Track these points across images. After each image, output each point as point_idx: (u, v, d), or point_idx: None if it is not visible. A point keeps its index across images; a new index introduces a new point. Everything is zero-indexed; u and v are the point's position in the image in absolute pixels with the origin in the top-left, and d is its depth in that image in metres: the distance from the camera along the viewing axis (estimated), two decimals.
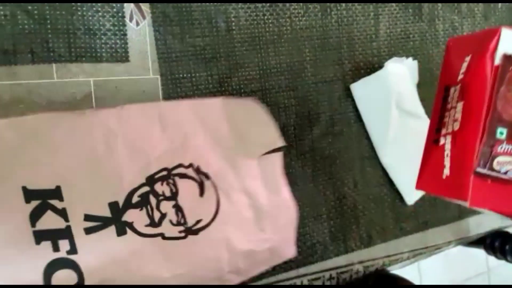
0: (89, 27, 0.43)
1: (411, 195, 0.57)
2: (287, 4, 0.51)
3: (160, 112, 0.39)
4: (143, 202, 0.35)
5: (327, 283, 0.55)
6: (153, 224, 0.35)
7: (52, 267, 0.31)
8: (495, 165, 0.28)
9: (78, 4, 0.42)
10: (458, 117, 0.30)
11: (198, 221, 0.37)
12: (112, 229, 0.33)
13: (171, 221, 0.36)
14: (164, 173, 0.37)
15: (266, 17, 0.49)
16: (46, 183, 0.32)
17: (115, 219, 0.33)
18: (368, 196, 0.56)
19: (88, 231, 0.32)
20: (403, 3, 0.56)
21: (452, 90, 0.32)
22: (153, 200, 0.35)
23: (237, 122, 0.40)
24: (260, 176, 0.41)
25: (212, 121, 0.40)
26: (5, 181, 0.31)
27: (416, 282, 1.43)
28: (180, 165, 0.37)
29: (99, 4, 0.43)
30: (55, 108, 0.41)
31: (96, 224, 0.33)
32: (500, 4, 0.63)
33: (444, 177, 0.30)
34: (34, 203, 0.31)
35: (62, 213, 0.32)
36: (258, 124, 0.43)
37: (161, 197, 0.36)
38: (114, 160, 0.35)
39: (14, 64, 0.41)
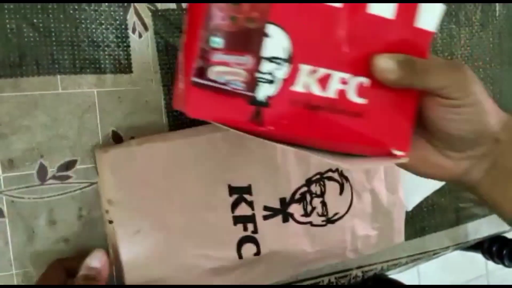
0: (93, 39, 0.44)
1: (409, 201, 0.58)
2: None
3: None
4: (302, 199, 0.48)
5: None
6: (306, 215, 0.49)
7: (242, 241, 0.46)
8: (211, 74, 0.27)
9: (82, 17, 0.43)
10: (185, 29, 0.32)
11: (335, 214, 0.50)
12: (279, 217, 0.47)
13: (318, 213, 0.49)
14: (318, 176, 0.49)
15: None
16: (242, 182, 0.45)
17: (282, 210, 0.47)
18: None
19: (265, 218, 0.47)
20: None
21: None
22: (308, 197, 0.49)
23: None
24: (385, 178, 0.53)
25: None
26: (218, 180, 0.45)
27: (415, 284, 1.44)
28: (329, 170, 0.50)
29: (102, 16, 0.44)
30: None
31: (270, 213, 0.47)
32: (498, 12, 0.63)
33: (180, 91, 0.31)
34: (234, 196, 0.45)
35: (250, 204, 0.46)
36: None
37: (313, 195, 0.49)
38: (287, 166, 0.47)
39: (20, 76, 0.42)
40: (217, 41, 0.27)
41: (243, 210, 0.46)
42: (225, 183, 0.45)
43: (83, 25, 0.44)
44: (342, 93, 0.31)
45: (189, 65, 0.28)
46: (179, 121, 0.48)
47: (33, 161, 0.43)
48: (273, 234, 0.47)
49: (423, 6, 0.31)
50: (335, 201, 0.50)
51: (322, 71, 0.30)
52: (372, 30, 0.30)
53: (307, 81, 0.30)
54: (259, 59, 0.29)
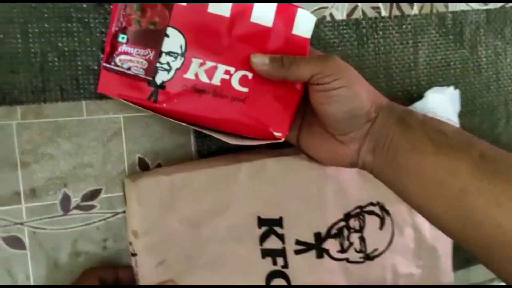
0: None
1: None
2: (322, 34, 0.49)
3: None
4: (338, 234, 0.45)
5: None
6: (342, 251, 0.45)
7: (271, 275, 0.43)
8: (117, 61, 0.37)
9: None
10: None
11: (374, 250, 0.47)
12: (313, 253, 0.44)
13: (355, 249, 0.46)
14: (358, 210, 0.46)
15: None
16: (273, 214, 0.43)
17: (316, 245, 0.44)
18: None
19: (297, 252, 0.44)
20: (444, 30, 0.54)
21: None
22: (345, 232, 0.45)
23: None
24: None
25: None
26: (247, 211, 0.42)
27: None
28: (370, 204, 0.47)
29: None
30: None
31: (303, 247, 0.44)
32: None
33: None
34: (264, 228, 0.43)
35: (281, 237, 0.43)
36: None
37: (351, 230, 0.46)
38: (323, 199, 0.44)
39: (43, 102, 0.40)
40: (123, 37, 0.37)
41: (272, 243, 0.43)
42: (255, 214, 0.43)
43: None
44: (226, 81, 0.39)
45: (104, 54, 0.37)
46: (207, 146, 0.46)
47: (56, 191, 0.41)
48: (305, 269, 0.44)
49: (298, 17, 0.39)
50: (374, 236, 0.47)
51: (209, 64, 0.38)
52: (255, 34, 0.38)
53: (196, 70, 0.38)
54: (159, 52, 0.37)
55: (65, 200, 0.41)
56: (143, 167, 0.44)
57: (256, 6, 0.38)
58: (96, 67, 0.41)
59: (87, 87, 0.41)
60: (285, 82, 0.39)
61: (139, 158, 0.43)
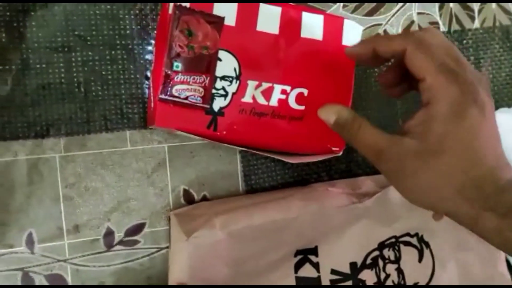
0: None
1: None
2: None
3: None
4: (374, 264, 0.42)
5: None
6: (379, 282, 0.42)
7: None
8: (174, 91, 0.34)
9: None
10: (152, 58, 0.40)
11: (415, 283, 0.43)
12: (349, 284, 0.41)
13: (393, 281, 0.43)
14: (393, 240, 0.43)
15: None
16: (309, 243, 0.41)
17: (352, 276, 0.42)
18: None
19: (332, 282, 0.41)
20: (508, 44, 0.49)
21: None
22: (380, 263, 0.42)
23: None
24: (475, 248, 0.45)
25: None
26: (288, 248, 0.40)
27: None
28: (407, 234, 0.43)
29: None
30: None
31: (338, 277, 0.41)
32: None
33: (151, 110, 0.37)
34: (299, 257, 0.41)
35: (316, 266, 0.41)
36: None
37: (386, 260, 0.43)
38: (358, 228, 0.41)
39: (87, 133, 0.38)
40: (177, 65, 0.35)
41: (307, 271, 0.40)
42: (293, 247, 0.40)
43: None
44: (283, 101, 0.38)
45: (156, 86, 0.35)
46: (255, 176, 0.43)
47: (99, 226, 0.39)
48: None
49: (346, 28, 0.39)
50: (413, 269, 0.43)
51: (266, 85, 0.37)
52: (307, 49, 0.38)
53: (253, 93, 0.37)
54: (213, 78, 0.36)
55: (109, 236, 0.39)
56: (188, 199, 0.41)
57: (305, 19, 0.37)
58: (140, 95, 0.40)
59: (131, 116, 0.39)
60: (339, 96, 0.39)
61: (184, 189, 0.41)
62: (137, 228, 0.40)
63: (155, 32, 0.39)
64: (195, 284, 0.37)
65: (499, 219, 0.27)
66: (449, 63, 0.29)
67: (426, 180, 0.28)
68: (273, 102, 0.37)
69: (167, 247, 0.40)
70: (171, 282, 0.38)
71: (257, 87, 0.37)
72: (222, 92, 0.36)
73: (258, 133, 0.37)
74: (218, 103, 0.36)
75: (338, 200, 0.41)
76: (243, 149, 0.38)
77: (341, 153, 0.40)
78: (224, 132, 0.36)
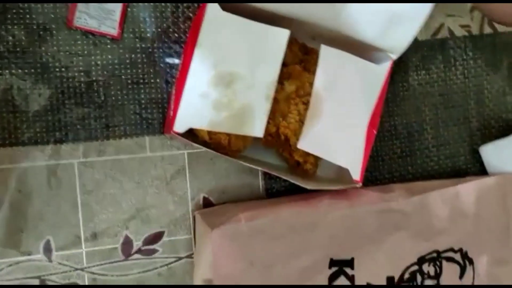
0: None
1: None
2: (403, 56, 0.44)
3: (454, 194, 0.41)
4: (411, 279, 0.40)
5: None
6: None
7: None
8: None
9: (173, 72, 0.39)
10: (172, 62, 0.39)
11: None
12: None
13: None
14: (434, 255, 0.40)
15: None
16: (345, 255, 0.39)
17: None
18: None
19: None
20: None
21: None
22: (418, 278, 0.40)
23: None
24: (510, 262, 0.43)
25: (489, 204, 0.42)
26: (321, 253, 0.38)
27: None
28: (450, 249, 0.41)
29: None
30: None
31: None
32: None
33: (170, 118, 0.35)
34: (334, 269, 0.39)
35: (351, 279, 0.39)
36: None
37: (425, 276, 0.40)
38: (397, 241, 0.39)
39: (106, 139, 0.38)
40: None
41: (341, 283, 0.39)
42: (327, 256, 0.38)
43: (174, 81, 0.39)
44: None
45: (178, 96, 0.34)
46: (276, 184, 0.41)
47: (117, 234, 0.38)
48: None
49: None
50: (453, 285, 0.41)
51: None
52: None
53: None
54: None
55: (127, 244, 0.38)
56: (208, 207, 0.40)
57: None
58: (160, 100, 0.39)
59: (150, 122, 0.38)
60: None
61: (204, 197, 0.40)
62: (156, 237, 0.39)
63: (187, 35, 0.37)
64: (219, 283, 0.35)
65: None
66: None
67: None
68: None
69: (186, 257, 0.39)
70: (196, 281, 0.37)
71: None
72: None
73: None
74: None
75: (368, 198, 0.40)
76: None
77: (360, 184, 0.38)
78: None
